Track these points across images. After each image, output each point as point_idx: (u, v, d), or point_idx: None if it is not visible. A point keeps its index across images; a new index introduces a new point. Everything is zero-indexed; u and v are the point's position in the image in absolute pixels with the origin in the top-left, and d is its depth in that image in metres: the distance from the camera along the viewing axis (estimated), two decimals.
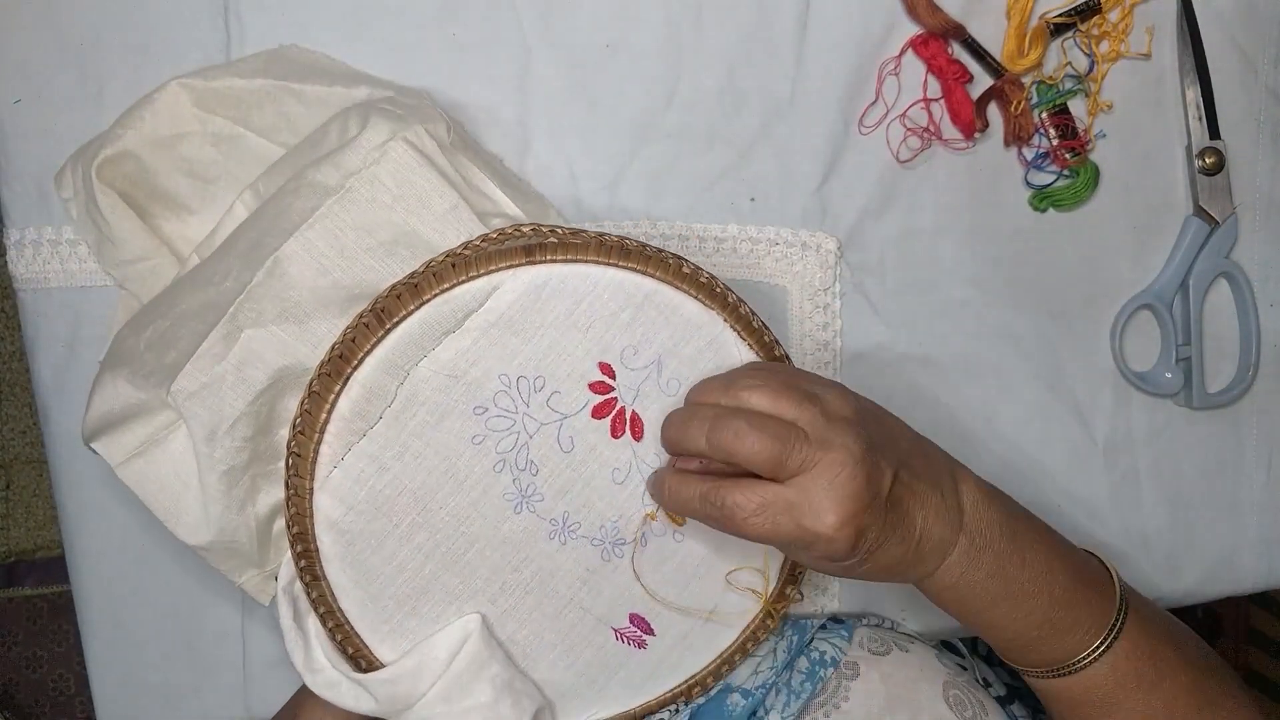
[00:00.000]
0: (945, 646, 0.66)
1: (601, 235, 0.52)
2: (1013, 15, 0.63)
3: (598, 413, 0.54)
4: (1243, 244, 0.67)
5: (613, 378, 0.53)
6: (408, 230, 0.53)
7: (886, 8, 0.62)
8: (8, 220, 0.59)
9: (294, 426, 0.52)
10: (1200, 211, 0.66)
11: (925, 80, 0.63)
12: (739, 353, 0.54)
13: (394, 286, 0.51)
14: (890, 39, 0.63)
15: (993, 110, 0.64)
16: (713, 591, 0.57)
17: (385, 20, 0.60)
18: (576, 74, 0.61)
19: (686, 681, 0.59)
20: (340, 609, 0.55)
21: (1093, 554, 0.56)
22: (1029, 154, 0.65)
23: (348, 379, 0.52)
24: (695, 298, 0.53)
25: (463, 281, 0.51)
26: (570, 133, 0.62)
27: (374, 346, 0.51)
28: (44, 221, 0.59)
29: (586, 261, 0.52)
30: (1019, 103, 0.63)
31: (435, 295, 0.51)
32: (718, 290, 0.53)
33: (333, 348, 0.51)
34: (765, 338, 0.54)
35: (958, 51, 0.64)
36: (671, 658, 0.58)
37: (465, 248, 0.52)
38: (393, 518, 0.54)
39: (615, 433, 0.54)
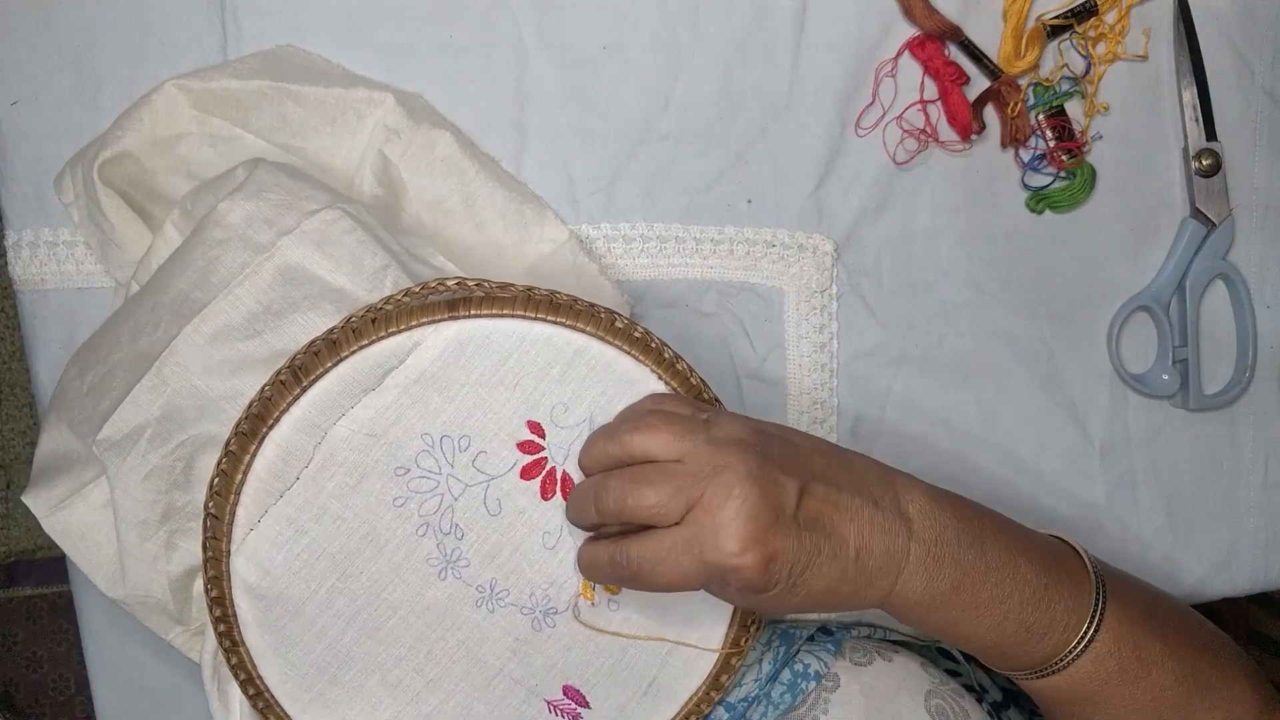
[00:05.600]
0: (941, 651, 0.66)
1: (530, 289, 0.51)
2: (1009, 17, 0.63)
3: (527, 474, 0.52)
4: (1239, 245, 0.67)
5: (542, 437, 0.51)
6: (337, 288, 0.52)
7: (883, 10, 0.62)
8: (6, 222, 0.59)
9: (211, 487, 0.50)
10: (1197, 213, 0.66)
11: (922, 82, 0.63)
12: None
13: (312, 343, 0.50)
14: (887, 41, 0.63)
15: (990, 112, 0.64)
16: (651, 661, 0.55)
17: (382, 22, 0.60)
18: (573, 76, 0.61)
19: None
20: (260, 676, 0.53)
21: (1062, 539, 0.55)
22: (1026, 156, 0.65)
23: (263, 439, 0.50)
24: (629, 353, 0.51)
25: (383, 337, 0.50)
26: (567, 135, 0.62)
27: (290, 405, 0.50)
28: (41, 223, 0.59)
29: (514, 316, 0.50)
30: (1016, 105, 0.63)
31: (354, 352, 0.50)
32: (653, 345, 0.51)
33: (249, 405, 0.50)
34: (705, 396, 0.52)
35: (954, 53, 0.64)
36: None
37: (387, 302, 0.50)
38: (311, 583, 0.52)
39: (545, 494, 0.52)
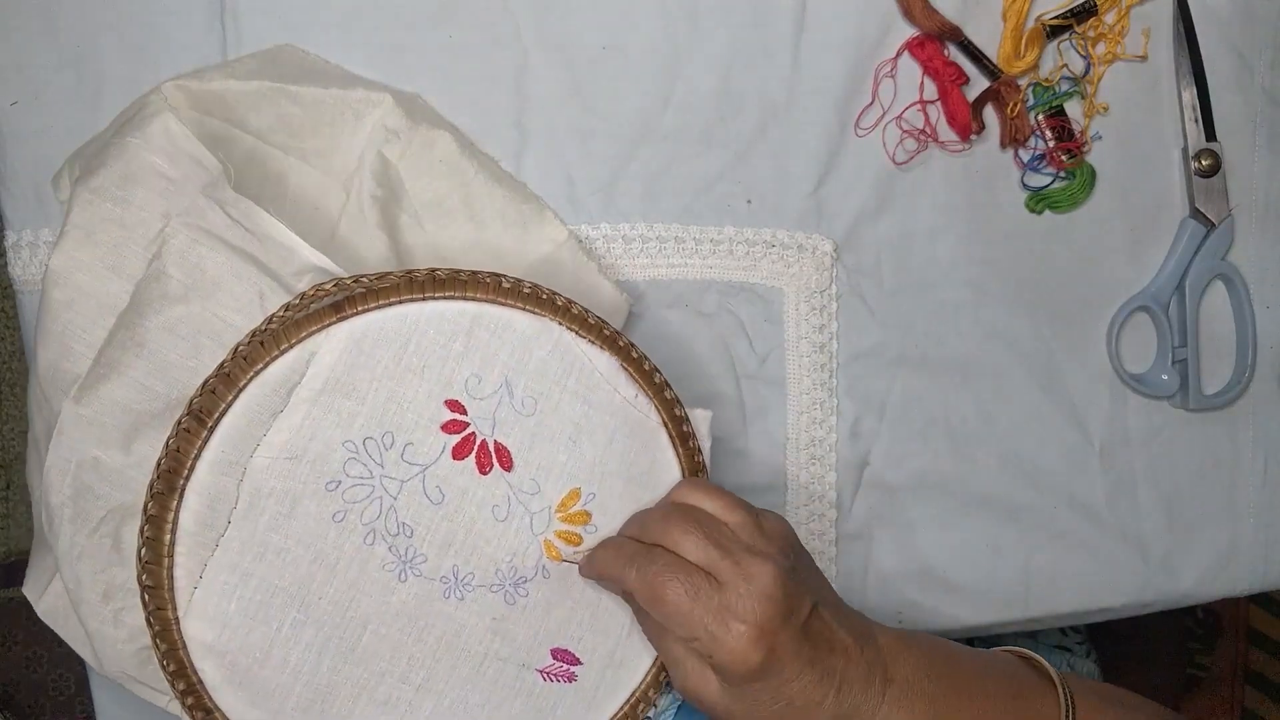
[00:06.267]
0: None
1: (410, 272, 0.50)
2: (1009, 17, 0.63)
3: (458, 453, 0.51)
4: (1239, 246, 0.67)
5: (464, 413, 0.51)
6: (209, 319, 0.50)
7: (882, 10, 0.62)
8: (6, 222, 0.59)
9: (139, 558, 0.48)
10: (1196, 213, 0.66)
11: (921, 82, 0.63)
12: (582, 352, 0.52)
13: (206, 382, 0.48)
14: (886, 41, 0.63)
15: (989, 112, 0.64)
16: (626, 613, 0.55)
17: (381, 22, 0.60)
18: (573, 76, 0.61)
19: (629, 700, 0.55)
20: None
21: (1023, 656, 0.55)
22: (1025, 156, 0.65)
23: (183, 492, 0.48)
24: (524, 309, 0.51)
25: (276, 357, 0.49)
26: (567, 135, 0.62)
27: (201, 450, 0.48)
28: (41, 223, 0.59)
29: (400, 302, 0.50)
30: (1015, 105, 0.63)
31: (251, 379, 0.48)
32: (544, 296, 0.51)
33: (159, 463, 0.48)
34: (605, 330, 0.52)
35: (954, 53, 0.64)
36: (606, 681, 0.55)
37: (270, 321, 0.49)
38: (272, 623, 0.50)
39: (483, 469, 0.51)
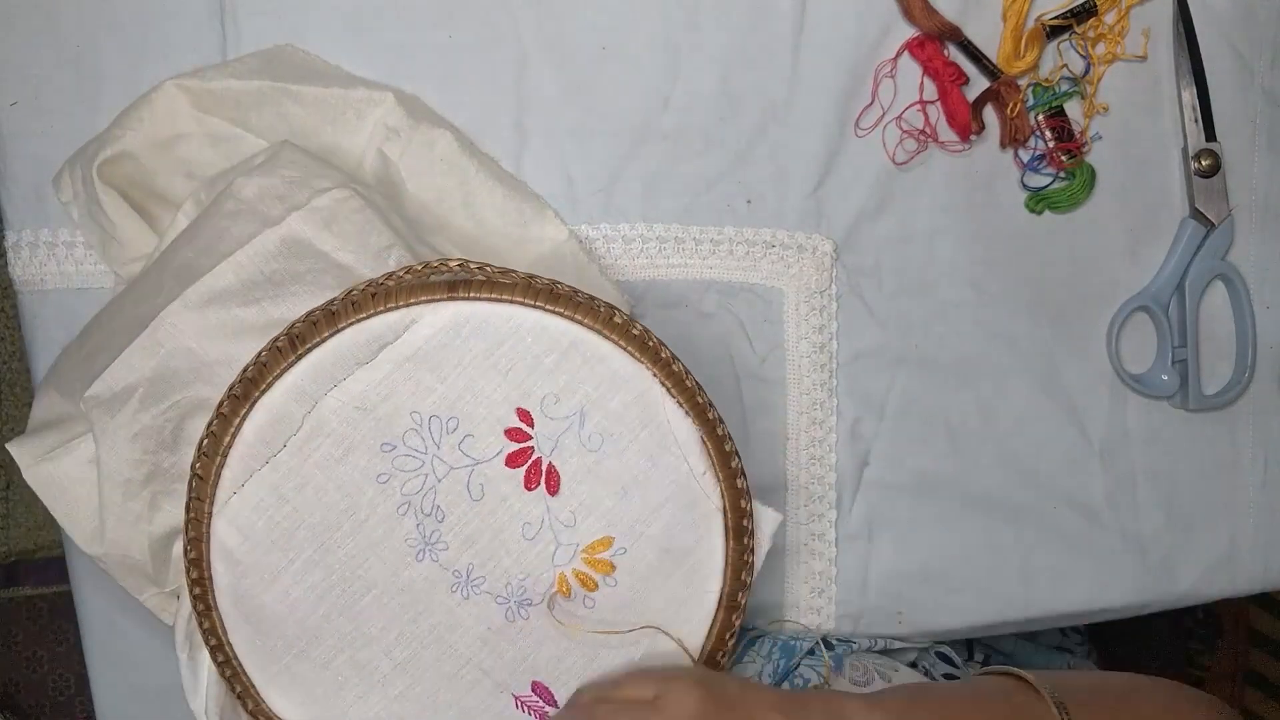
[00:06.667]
0: (939, 656, 0.66)
1: (531, 277, 0.51)
2: (1009, 17, 0.63)
3: (512, 461, 0.52)
4: (1239, 246, 0.67)
5: (531, 426, 0.51)
6: (340, 264, 0.52)
7: (882, 10, 0.62)
8: (6, 222, 0.60)
9: (199, 447, 0.50)
10: (1196, 213, 0.66)
11: (921, 83, 0.63)
12: (667, 411, 0.52)
13: (311, 312, 0.50)
14: (886, 41, 0.63)
15: (989, 112, 0.64)
16: (623, 667, 0.54)
17: (381, 22, 0.60)
18: (573, 77, 0.61)
19: None
20: (230, 644, 0.53)
21: (1015, 675, 0.53)
22: (1025, 156, 0.65)
23: (255, 403, 0.50)
24: (625, 350, 0.51)
25: (380, 312, 0.50)
26: (567, 135, 0.62)
27: (284, 372, 0.50)
28: (41, 224, 0.59)
29: (512, 302, 0.50)
30: (1015, 105, 0.63)
31: (351, 324, 0.50)
32: (650, 344, 0.51)
33: (244, 370, 0.50)
34: (698, 399, 0.52)
35: (954, 54, 0.64)
36: None
37: (388, 278, 0.51)
38: (289, 553, 0.52)
39: (529, 484, 0.52)
